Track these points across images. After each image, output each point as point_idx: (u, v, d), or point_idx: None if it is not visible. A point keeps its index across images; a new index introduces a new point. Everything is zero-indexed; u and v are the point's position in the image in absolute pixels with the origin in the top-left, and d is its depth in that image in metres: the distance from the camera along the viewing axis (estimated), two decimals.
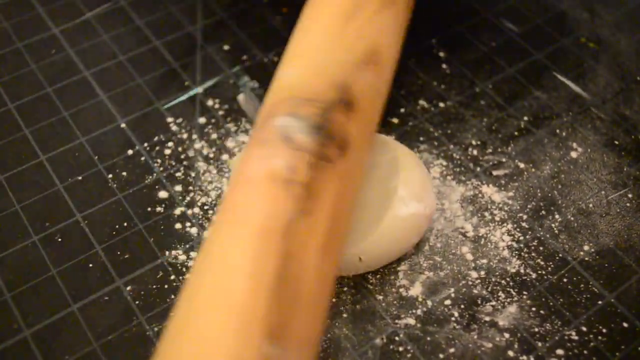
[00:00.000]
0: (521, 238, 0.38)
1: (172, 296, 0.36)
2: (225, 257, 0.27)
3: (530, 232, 0.38)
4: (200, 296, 0.27)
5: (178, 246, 0.38)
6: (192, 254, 0.37)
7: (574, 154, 0.41)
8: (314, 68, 0.33)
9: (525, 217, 0.39)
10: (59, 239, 0.38)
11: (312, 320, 0.27)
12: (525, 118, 0.43)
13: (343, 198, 0.30)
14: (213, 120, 0.43)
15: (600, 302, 0.35)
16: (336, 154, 0.30)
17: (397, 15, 0.37)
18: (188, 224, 0.39)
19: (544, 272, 0.37)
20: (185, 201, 0.40)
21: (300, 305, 0.27)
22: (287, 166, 0.29)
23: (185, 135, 0.43)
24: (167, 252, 0.37)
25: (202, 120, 0.43)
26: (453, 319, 0.35)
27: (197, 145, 0.42)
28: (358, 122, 0.32)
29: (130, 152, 0.42)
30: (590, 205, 0.39)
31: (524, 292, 0.36)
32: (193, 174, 0.41)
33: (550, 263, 0.37)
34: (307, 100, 0.31)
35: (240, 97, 0.45)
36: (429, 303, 0.36)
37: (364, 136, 0.33)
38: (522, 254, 0.37)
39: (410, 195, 0.36)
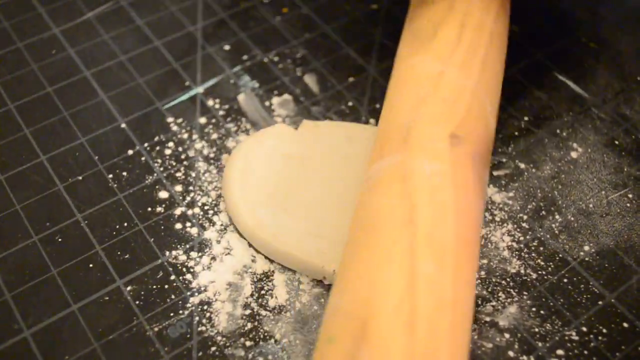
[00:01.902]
0: (521, 238, 0.38)
1: (172, 296, 0.36)
2: None
3: (530, 233, 0.38)
4: None
5: (178, 246, 0.38)
6: (192, 254, 0.37)
7: (574, 154, 0.41)
8: (495, 130, 0.36)
9: (525, 217, 0.39)
10: (59, 239, 0.38)
11: None
12: (526, 118, 0.43)
13: None
14: (213, 120, 0.43)
15: (600, 303, 0.35)
16: None
17: None
18: (188, 224, 0.39)
19: (544, 273, 0.37)
20: (186, 201, 0.39)
21: None
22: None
23: (185, 135, 0.43)
24: (167, 252, 0.37)
25: (202, 120, 0.43)
26: None
27: (198, 145, 0.42)
28: None
29: (130, 152, 0.42)
30: (591, 205, 0.39)
31: (524, 293, 0.36)
32: (193, 174, 0.41)
33: (551, 263, 0.37)
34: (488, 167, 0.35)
35: (241, 97, 0.45)
36: None
37: None
38: (523, 254, 0.37)
39: None
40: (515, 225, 0.38)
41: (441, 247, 0.28)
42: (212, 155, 0.42)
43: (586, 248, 0.37)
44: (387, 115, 0.34)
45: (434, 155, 0.31)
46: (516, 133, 0.42)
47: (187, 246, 0.38)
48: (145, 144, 0.42)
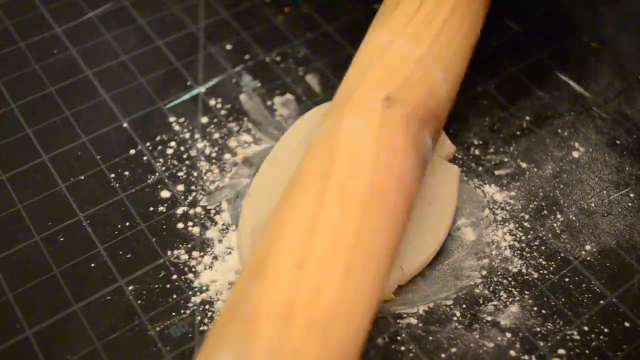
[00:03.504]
0: (523, 238, 0.38)
1: (174, 296, 0.36)
2: None
3: (532, 232, 0.38)
4: None
5: (180, 246, 0.38)
6: (194, 253, 0.37)
7: (575, 154, 0.41)
8: (451, 99, 0.38)
9: (527, 216, 0.39)
10: (61, 239, 0.38)
11: None
12: (528, 117, 0.43)
13: None
14: (215, 120, 0.43)
15: (602, 302, 0.35)
16: None
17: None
18: (190, 223, 0.39)
19: (545, 272, 0.37)
20: (188, 201, 0.40)
21: None
22: (415, 193, 0.34)
23: (187, 135, 0.43)
24: (169, 252, 0.38)
25: (204, 119, 0.43)
26: (455, 318, 0.35)
27: (200, 145, 0.42)
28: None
29: (132, 151, 0.42)
30: (592, 204, 0.39)
31: (526, 292, 0.36)
32: (195, 174, 0.41)
33: (552, 263, 0.37)
34: (437, 132, 0.37)
35: (243, 97, 0.45)
36: (431, 303, 0.36)
37: None
38: (524, 253, 0.37)
39: (442, 203, 0.38)
40: (516, 225, 0.38)
41: (350, 195, 0.30)
42: (214, 154, 0.42)
43: (588, 247, 0.37)
44: (340, 86, 0.37)
45: (363, 115, 0.33)
46: (517, 132, 0.42)
47: (189, 246, 0.38)
48: (147, 144, 0.42)
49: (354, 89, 0.35)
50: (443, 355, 0.34)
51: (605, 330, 0.35)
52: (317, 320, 0.27)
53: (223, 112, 0.44)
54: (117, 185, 0.40)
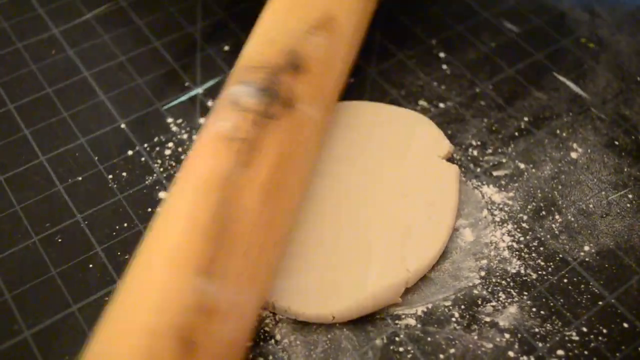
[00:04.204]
0: (521, 239, 0.38)
1: None
2: (170, 206, 0.32)
3: (530, 233, 0.38)
4: (147, 240, 0.31)
5: None
6: None
7: (574, 155, 0.41)
8: (267, 39, 0.38)
9: (525, 217, 0.39)
10: (59, 240, 0.38)
11: (247, 258, 0.30)
12: (526, 118, 0.43)
13: (288, 149, 0.34)
14: None
15: (600, 303, 0.35)
16: (280, 111, 0.34)
17: None
18: None
19: (544, 273, 0.37)
20: None
21: (235, 244, 0.30)
22: (232, 126, 0.33)
23: (185, 136, 0.42)
24: None
25: (202, 120, 0.43)
26: (453, 319, 0.35)
27: None
28: (306, 83, 0.36)
29: (130, 152, 0.42)
30: (591, 205, 0.39)
31: (525, 293, 0.36)
32: None
33: (551, 264, 0.37)
34: (256, 67, 0.36)
35: None
36: (430, 304, 0.35)
37: (312, 94, 0.36)
38: (523, 254, 0.37)
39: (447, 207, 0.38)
40: (515, 226, 0.38)
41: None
42: None
43: (586, 248, 0.37)
44: None
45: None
46: (516, 133, 0.42)
47: None
48: (145, 145, 0.42)
49: None
50: (442, 356, 0.34)
51: (604, 331, 0.35)
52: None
53: None
54: (115, 186, 0.40)
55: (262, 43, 0.38)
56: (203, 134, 0.34)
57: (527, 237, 0.38)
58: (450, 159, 0.41)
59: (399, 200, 0.38)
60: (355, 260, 0.36)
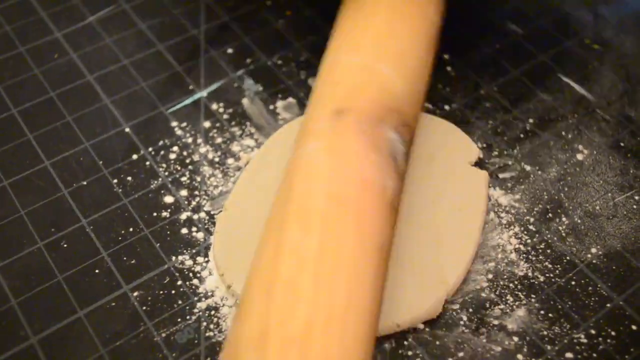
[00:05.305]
0: (528, 241, 0.38)
1: (179, 301, 0.36)
2: None
3: (537, 235, 0.38)
4: None
5: (184, 251, 0.38)
6: (199, 259, 0.37)
7: (579, 156, 0.41)
8: (414, 92, 0.36)
9: (532, 220, 0.39)
10: (65, 245, 0.38)
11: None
12: (531, 120, 0.43)
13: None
14: (218, 124, 0.43)
15: (608, 305, 0.35)
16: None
17: None
18: (194, 228, 0.38)
19: (552, 275, 0.36)
20: (191, 206, 0.39)
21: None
22: (393, 189, 0.32)
23: (190, 140, 0.42)
24: (173, 258, 0.37)
25: (206, 124, 0.43)
26: (462, 322, 0.35)
27: (202, 150, 0.42)
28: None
29: (135, 156, 0.42)
30: (597, 207, 0.39)
31: (532, 296, 0.36)
32: (198, 179, 0.41)
33: (558, 266, 0.37)
34: (406, 124, 0.35)
35: (245, 101, 0.44)
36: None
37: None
38: (530, 257, 0.37)
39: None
40: (522, 228, 0.38)
41: (308, 213, 0.30)
42: (217, 159, 0.41)
43: (593, 250, 0.37)
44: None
45: (317, 136, 0.33)
46: (521, 135, 0.42)
47: (194, 251, 0.38)
48: (150, 149, 0.42)
49: (309, 116, 0.35)
50: None
51: (613, 333, 0.34)
52: (292, 337, 0.27)
53: (225, 116, 0.44)
54: (120, 190, 0.40)
55: (411, 92, 0.37)
56: (365, 171, 0.32)
57: (534, 240, 0.38)
58: (478, 164, 0.41)
59: (430, 207, 0.38)
60: (392, 275, 0.34)
